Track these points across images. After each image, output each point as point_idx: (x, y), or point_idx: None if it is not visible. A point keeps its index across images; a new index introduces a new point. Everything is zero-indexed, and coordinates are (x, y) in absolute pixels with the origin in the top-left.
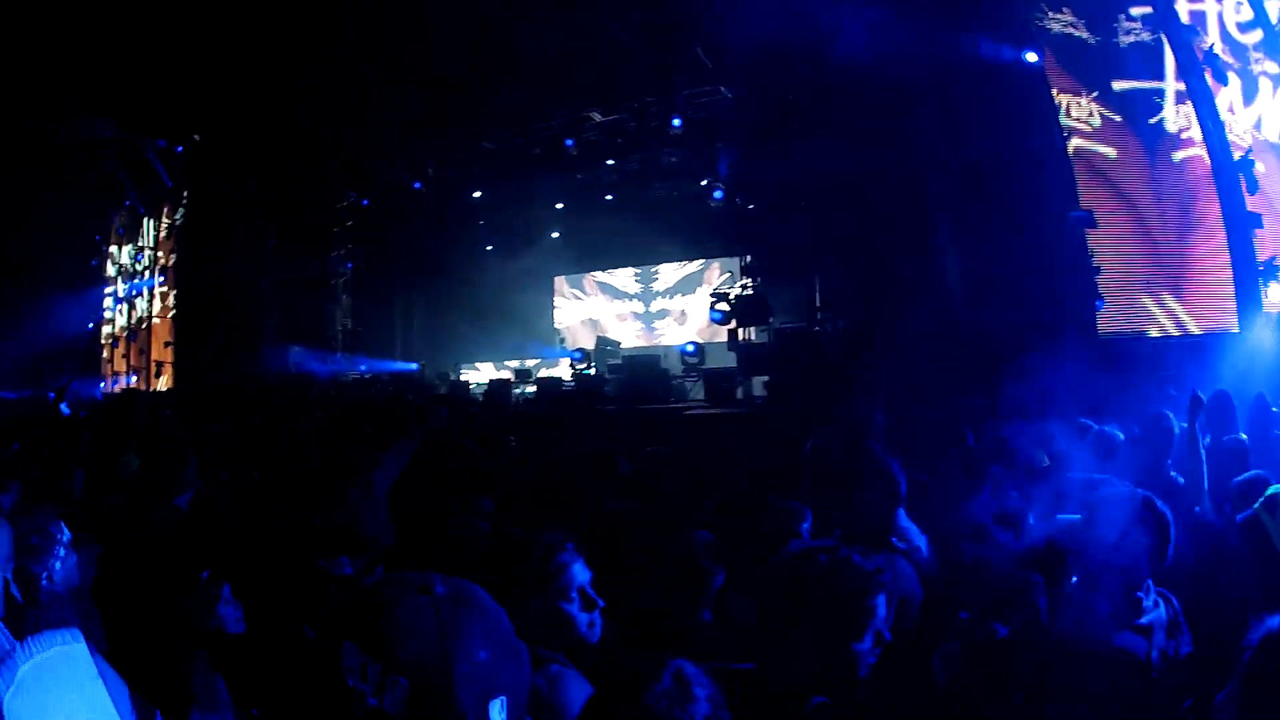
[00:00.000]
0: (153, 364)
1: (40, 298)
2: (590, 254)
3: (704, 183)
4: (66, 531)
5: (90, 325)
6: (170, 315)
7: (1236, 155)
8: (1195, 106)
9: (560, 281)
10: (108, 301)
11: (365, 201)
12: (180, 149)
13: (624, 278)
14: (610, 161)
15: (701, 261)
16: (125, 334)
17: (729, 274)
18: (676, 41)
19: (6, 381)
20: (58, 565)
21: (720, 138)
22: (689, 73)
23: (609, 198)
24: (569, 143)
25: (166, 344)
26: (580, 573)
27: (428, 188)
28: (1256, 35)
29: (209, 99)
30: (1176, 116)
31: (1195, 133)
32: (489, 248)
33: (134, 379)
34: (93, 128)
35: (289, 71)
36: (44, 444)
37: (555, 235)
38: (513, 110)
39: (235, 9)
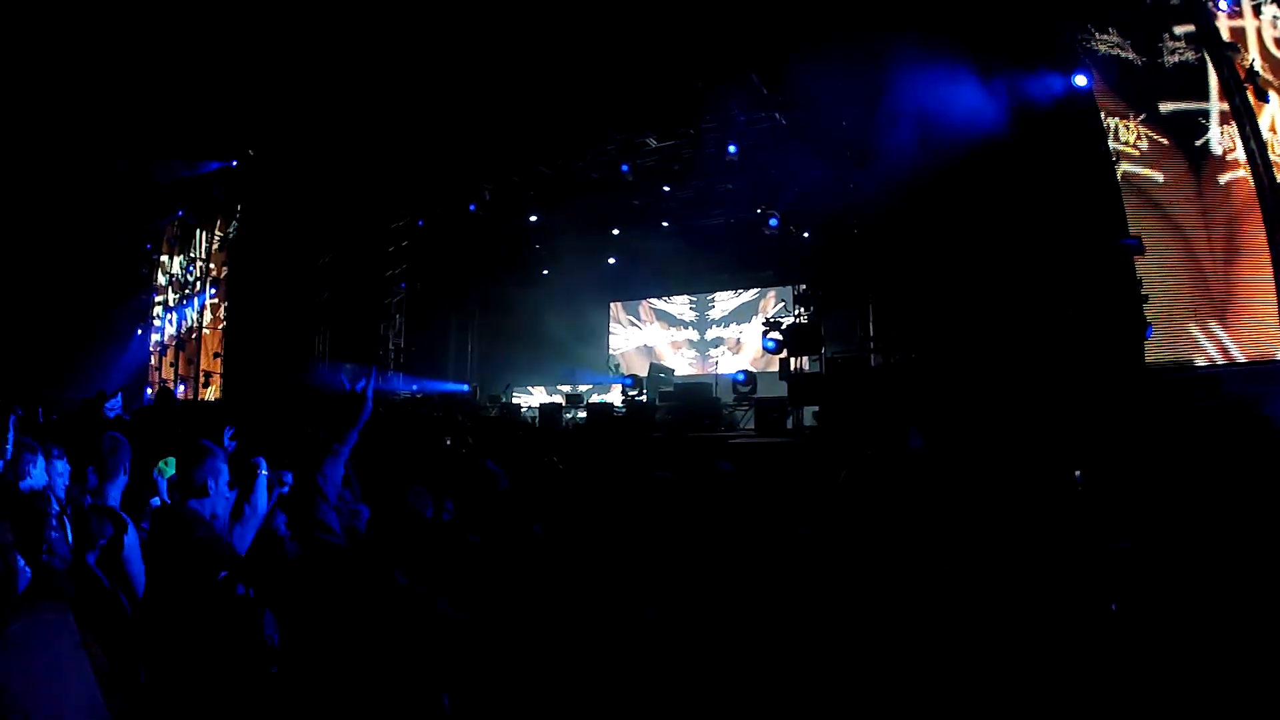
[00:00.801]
0: (201, 374)
1: (91, 303)
2: (646, 280)
3: (759, 210)
4: (55, 506)
5: (139, 332)
6: (220, 327)
7: None
8: (1239, 126)
9: (616, 308)
10: (157, 310)
11: (420, 222)
12: (234, 163)
13: (680, 305)
14: (666, 188)
15: (757, 290)
16: (174, 343)
17: (783, 302)
18: (732, 68)
19: (58, 383)
20: (53, 536)
21: (775, 165)
22: (744, 99)
23: (665, 224)
24: (625, 168)
25: (216, 355)
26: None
27: (483, 210)
28: None
29: (264, 115)
30: (1222, 138)
31: (1241, 154)
32: (544, 272)
33: (182, 388)
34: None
35: (346, 91)
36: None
37: (611, 261)
38: (569, 134)
39: (291, 27)
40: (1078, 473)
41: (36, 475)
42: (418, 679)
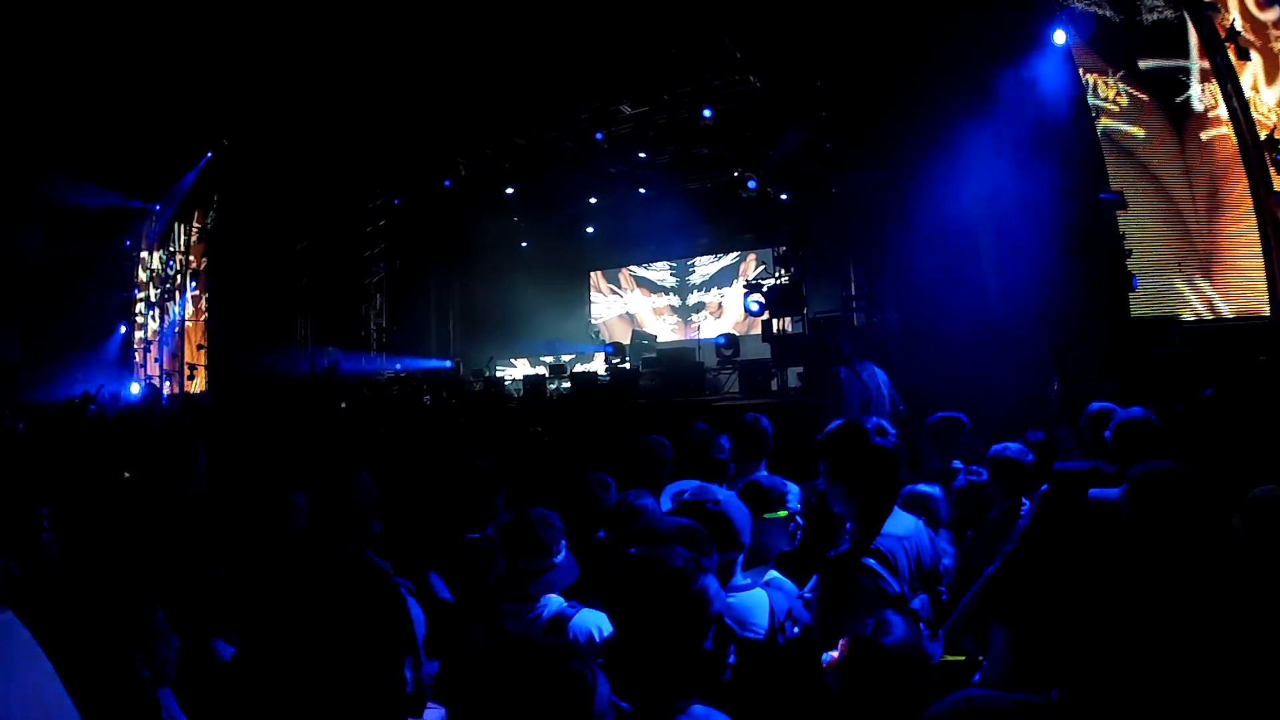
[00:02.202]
0: (185, 367)
1: (72, 304)
2: (625, 248)
3: (736, 174)
4: (44, 509)
5: (122, 330)
6: (203, 319)
7: (1262, 133)
8: (1220, 85)
9: (597, 276)
10: (139, 306)
11: (396, 201)
12: (209, 154)
13: (660, 271)
14: (642, 154)
15: (737, 254)
16: (157, 338)
17: (764, 265)
18: (703, 32)
19: (40, 388)
20: (44, 539)
21: (750, 128)
22: (718, 63)
23: (642, 191)
24: (599, 136)
25: (199, 347)
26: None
27: (459, 185)
28: (1275, 13)
29: (236, 103)
30: (1203, 95)
31: (1222, 111)
32: (523, 244)
33: (168, 383)
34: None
35: (315, 72)
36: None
37: (590, 230)
38: (541, 105)
39: (255, 11)
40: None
41: None
42: (379, 650)
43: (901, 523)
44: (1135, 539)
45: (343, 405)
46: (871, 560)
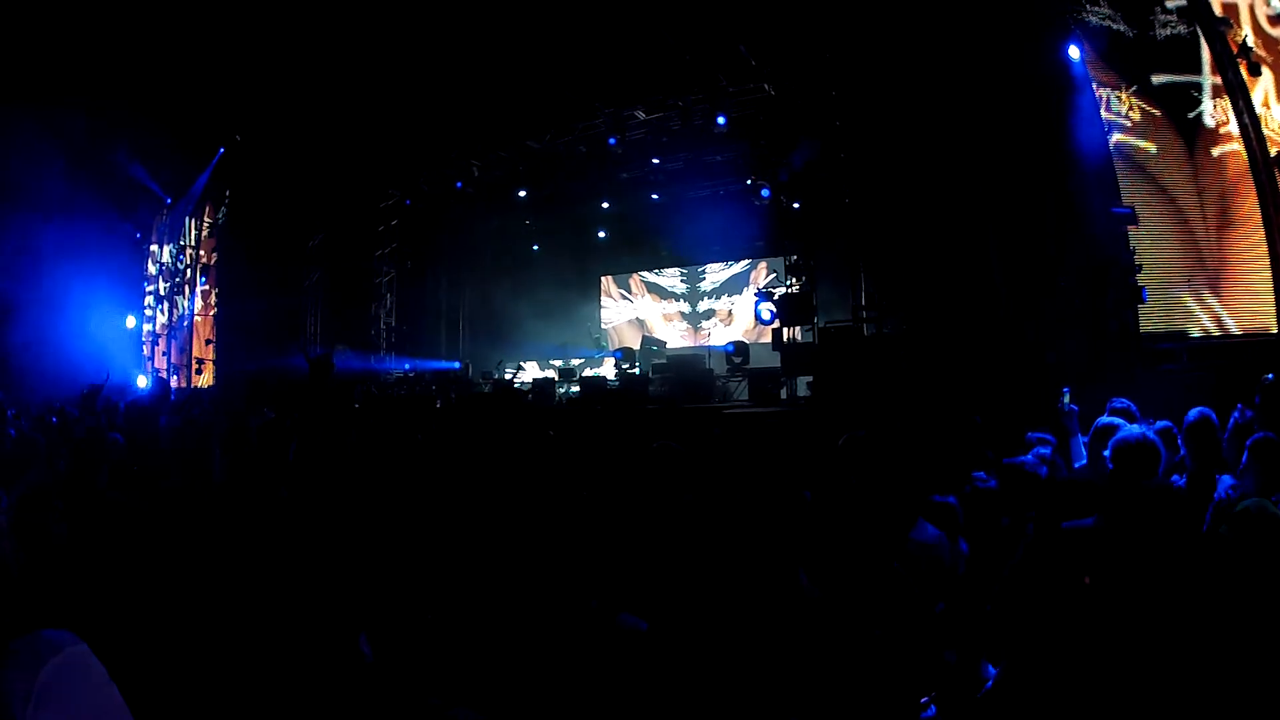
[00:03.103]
0: (193, 361)
1: (81, 297)
2: (636, 253)
3: (750, 181)
4: (59, 502)
5: (130, 322)
6: (212, 314)
7: (1273, 150)
8: (1231, 100)
9: (607, 281)
10: (149, 300)
11: (409, 201)
12: (221, 150)
13: (671, 278)
14: (655, 160)
15: (748, 261)
16: (166, 332)
17: (775, 274)
18: (719, 39)
19: (50, 383)
20: (54, 530)
21: (764, 136)
22: (733, 70)
23: (655, 197)
24: (612, 141)
25: (208, 342)
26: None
27: (472, 187)
28: None
29: (251, 98)
30: (1215, 111)
31: (1234, 127)
32: (535, 247)
33: (175, 376)
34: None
35: (330, 70)
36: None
37: (601, 235)
38: (556, 109)
39: (274, 9)
40: (1066, 390)
41: None
42: (333, 620)
43: (924, 530)
44: (1111, 555)
45: (355, 405)
46: (897, 565)
